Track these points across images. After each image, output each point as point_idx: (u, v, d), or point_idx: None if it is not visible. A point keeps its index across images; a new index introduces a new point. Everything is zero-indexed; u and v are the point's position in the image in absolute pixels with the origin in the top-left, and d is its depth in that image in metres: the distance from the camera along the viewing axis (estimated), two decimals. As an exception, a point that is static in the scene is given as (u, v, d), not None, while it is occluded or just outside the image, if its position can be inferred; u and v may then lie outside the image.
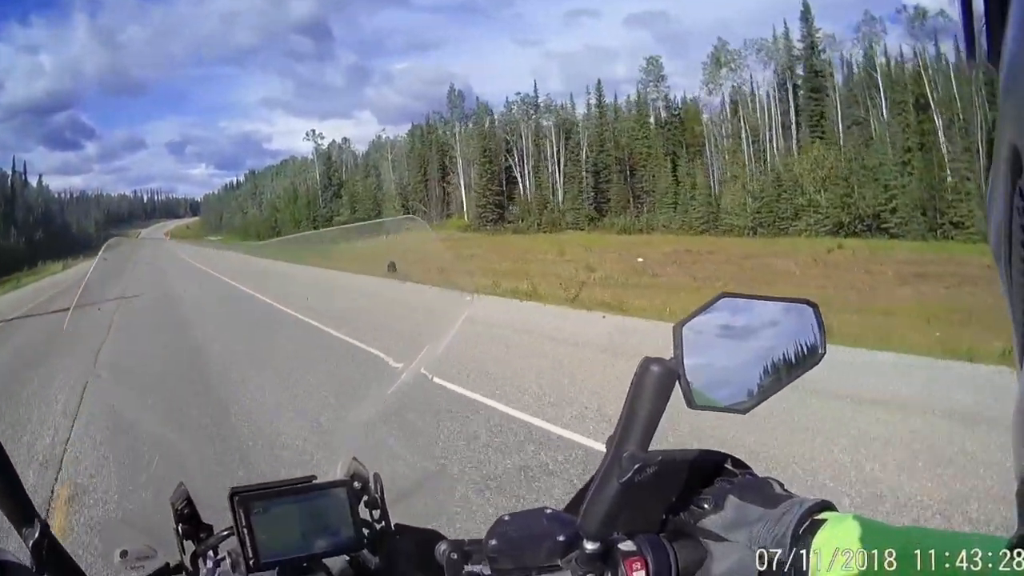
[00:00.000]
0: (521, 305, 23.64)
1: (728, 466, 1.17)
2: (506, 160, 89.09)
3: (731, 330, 1.03)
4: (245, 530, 1.26)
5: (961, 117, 59.77)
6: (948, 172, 57.68)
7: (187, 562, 1.35)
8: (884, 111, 66.09)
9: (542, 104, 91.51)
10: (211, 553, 1.33)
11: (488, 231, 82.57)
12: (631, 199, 79.64)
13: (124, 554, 1.31)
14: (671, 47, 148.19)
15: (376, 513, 1.39)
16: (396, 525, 1.39)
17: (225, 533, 1.32)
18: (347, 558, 1.37)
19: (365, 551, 1.36)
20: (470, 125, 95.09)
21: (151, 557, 1.33)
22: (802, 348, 1.06)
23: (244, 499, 1.27)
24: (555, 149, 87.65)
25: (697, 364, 0.97)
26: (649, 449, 0.97)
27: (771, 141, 72.90)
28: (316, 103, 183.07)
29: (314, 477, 1.38)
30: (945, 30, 64.72)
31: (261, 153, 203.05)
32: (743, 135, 74.47)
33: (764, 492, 1.08)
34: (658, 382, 0.94)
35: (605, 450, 0.99)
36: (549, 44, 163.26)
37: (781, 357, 1.05)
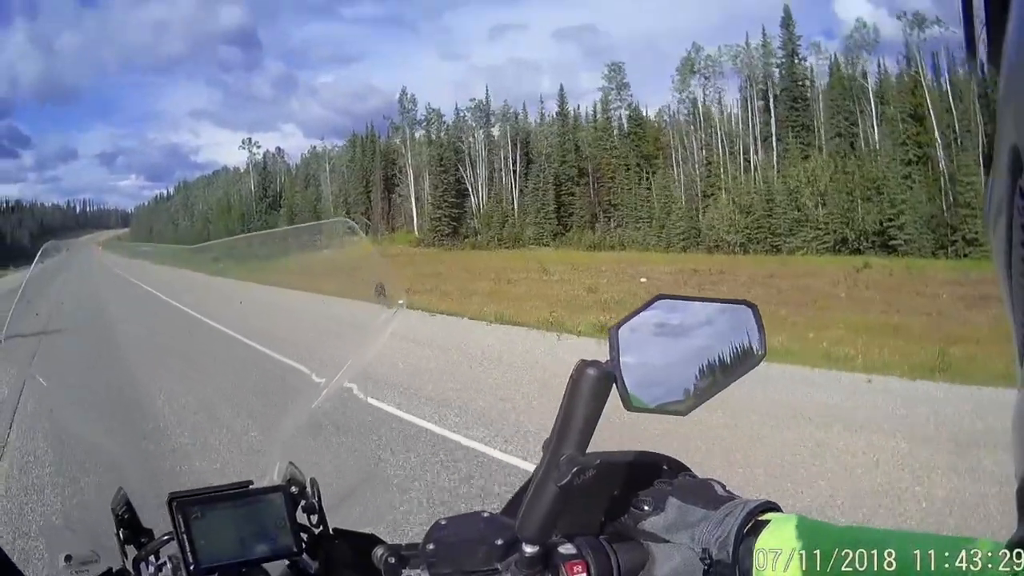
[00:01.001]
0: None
1: (667, 468, 1.16)
2: (457, 170, 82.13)
3: (668, 331, 1.02)
4: (184, 535, 1.24)
5: (958, 129, 55.65)
6: (951, 186, 53.33)
7: (129, 567, 1.31)
8: (875, 121, 61.54)
9: (497, 111, 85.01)
10: (152, 558, 1.29)
11: (444, 246, 75.78)
12: (599, 213, 73.51)
13: (68, 559, 1.30)
14: (599, 60, 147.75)
15: (314, 518, 1.36)
16: (334, 529, 1.36)
17: (165, 538, 1.29)
18: (287, 563, 1.33)
19: (304, 556, 1.33)
20: (420, 133, 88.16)
21: (95, 562, 1.31)
22: (741, 349, 1.04)
23: (182, 504, 1.25)
24: (512, 159, 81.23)
25: (634, 366, 0.96)
26: (587, 452, 0.95)
27: (753, 152, 67.67)
28: (243, 114, 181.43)
29: (251, 482, 1.35)
30: (941, 39, 60.37)
31: (189, 165, 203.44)
32: (717, 146, 69.17)
33: (706, 493, 1.07)
34: (594, 385, 0.93)
35: (542, 453, 0.97)
36: (475, 58, 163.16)
37: (720, 358, 1.03)
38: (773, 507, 1.01)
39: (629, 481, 1.12)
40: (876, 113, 62.21)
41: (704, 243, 62.41)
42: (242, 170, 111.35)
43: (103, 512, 1.32)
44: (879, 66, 65.84)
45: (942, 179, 54.79)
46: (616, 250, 66.15)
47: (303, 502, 1.35)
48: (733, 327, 1.04)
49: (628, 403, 0.94)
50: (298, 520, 1.33)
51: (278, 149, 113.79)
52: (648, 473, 1.14)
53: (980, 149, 53.91)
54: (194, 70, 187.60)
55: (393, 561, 1.16)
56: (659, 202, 68.83)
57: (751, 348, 1.04)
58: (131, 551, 1.30)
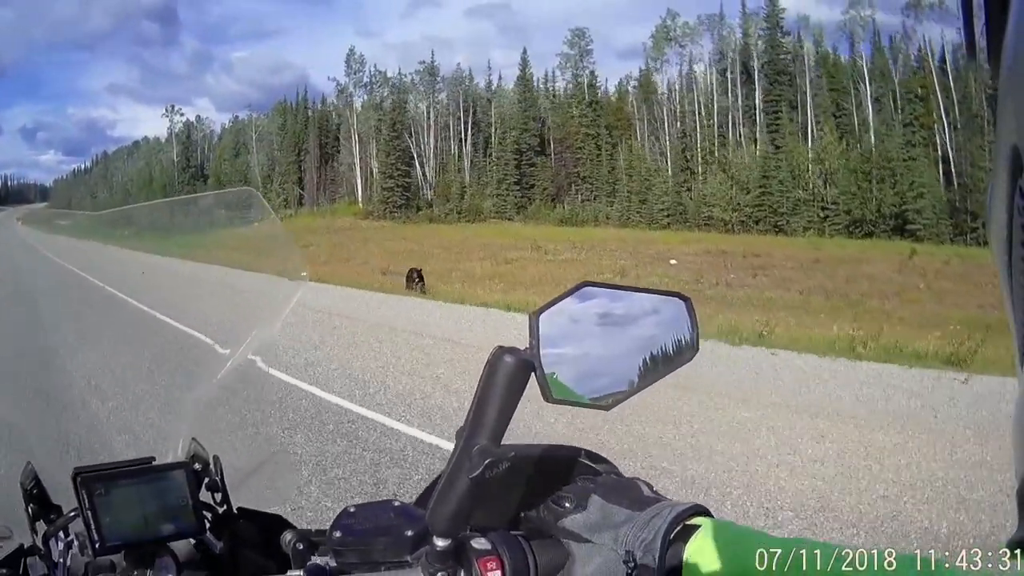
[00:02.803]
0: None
1: (589, 463, 1.10)
2: (406, 138, 74.68)
3: (594, 321, 0.94)
4: (89, 512, 1.18)
5: (958, 113, 51.91)
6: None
7: (39, 543, 1.26)
8: (870, 100, 57.09)
9: (448, 77, 77.77)
10: (61, 534, 1.24)
11: (396, 218, 68.01)
12: (570, 185, 67.17)
13: None
14: (513, 38, 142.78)
15: (218, 496, 1.31)
16: (238, 509, 1.31)
17: (72, 514, 1.23)
18: (192, 542, 1.28)
19: (208, 535, 1.27)
20: (363, 99, 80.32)
21: (8, 538, 1.29)
22: (673, 343, 0.98)
23: (86, 480, 1.19)
24: (464, 126, 74.32)
25: (555, 356, 0.89)
26: (503, 443, 0.89)
27: (734, 126, 62.34)
28: (159, 89, 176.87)
29: (154, 458, 1.30)
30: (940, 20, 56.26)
31: (106, 139, 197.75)
32: (696, 119, 63.57)
33: (631, 493, 1.00)
34: (512, 373, 0.86)
35: (454, 443, 0.90)
36: (389, 35, 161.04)
37: (650, 352, 0.97)
38: (702, 511, 0.94)
39: (548, 475, 1.04)
40: (869, 92, 57.56)
41: (691, 220, 56.87)
42: (163, 140, 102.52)
43: (14, 487, 1.27)
44: (851, 46, 62.14)
45: (948, 163, 51.66)
46: (591, 225, 60.33)
47: (206, 480, 1.27)
48: (664, 320, 0.97)
49: (548, 394, 0.87)
50: (201, 498, 1.26)
51: (197, 118, 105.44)
52: (568, 468, 1.07)
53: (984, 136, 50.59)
54: (115, 46, 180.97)
55: (302, 547, 1.10)
56: (638, 175, 62.72)
57: (682, 343, 0.97)
58: (42, 527, 1.24)
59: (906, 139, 52.86)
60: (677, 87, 66.77)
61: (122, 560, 1.17)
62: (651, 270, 34.42)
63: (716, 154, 61.49)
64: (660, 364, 0.96)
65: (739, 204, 55.09)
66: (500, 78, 79.65)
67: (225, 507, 1.28)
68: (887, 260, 36.24)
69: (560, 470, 1.06)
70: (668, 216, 58.63)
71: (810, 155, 54.42)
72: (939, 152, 52.44)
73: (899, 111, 55.10)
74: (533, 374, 0.85)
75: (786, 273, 33.53)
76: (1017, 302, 0.42)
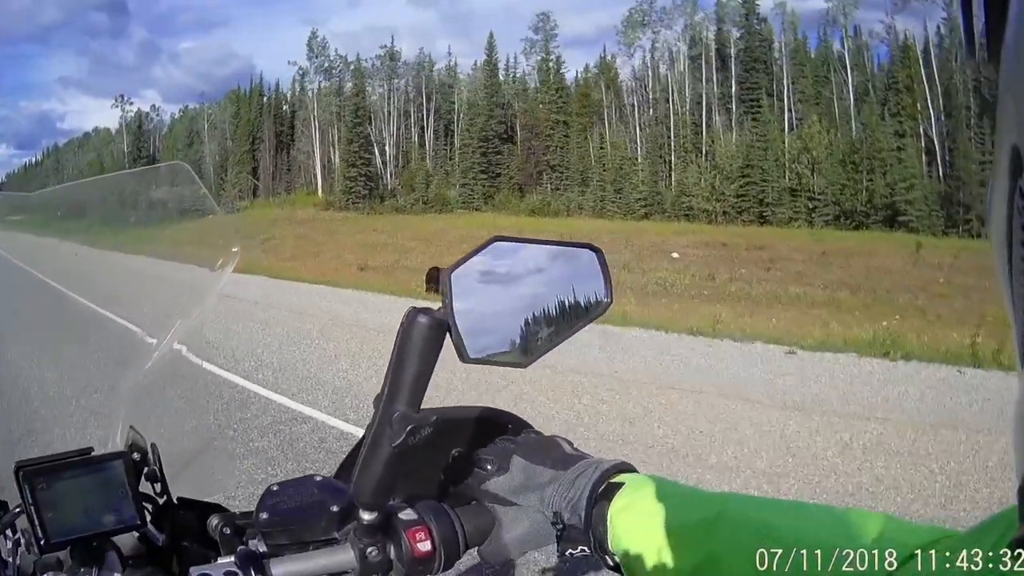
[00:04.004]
0: None
1: (510, 425, 1.07)
2: (369, 125, 71.16)
3: (506, 276, 0.93)
4: (32, 507, 1.12)
5: (942, 104, 50.35)
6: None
7: None
8: (851, 90, 55.27)
9: (411, 62, 74.39)
10: (9, 532, 1.18)
11: (359, 209, 64.13)
12: (539, 174, 64.23)
13: None
14: (456, 27, 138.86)
15: (157, 487, 1.23)
16: (178, 499, 1.24)
17: (17, 511, 1.18)
18: (136, 535, 1.21)
19: (150, 527, 1.20)
20: (319, 84, 76.46)
21: None
22: (586, 296, 0.96)
23: (28, 475, 1.13)
24: (426, 113, 71.17)
25: (470, 314, 0.86)
26: (422, 408, 0.86)
27: (707, 114, 59.94)
28: (108, 81, 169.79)
29: (92, 449, 1.22)
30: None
31: (56, 132, 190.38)
32: (670, 107, 61.03)
33: (553, 452, 0.98)
34: (426, 334, 0.83)
35: (373, 411, 0.87)
36: (332, 24, 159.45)
37: (563, 305, 0.95)
38: (627, 467, 0.93)
39: (470, 439, 1.03)
40: (850, 82, 55.79)
41: (669, 211, 54.29)
42: (114, 131, 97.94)
43: None
44: (822, 35, 60.71)
45: (933, 154, 50.37)
46: (563, 216, 57.14)
47: (145, 469, 1.21)
48: (576, 272, 0.95)
49: (463, 355, 0.86)
50: (141, 489, 1.20)
51: (152, 107, 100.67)
52: (490, 430, 1.04)
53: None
54: (65, 38, 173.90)
55: (229, 532, 1.05)
56: (612, 164, 59.85)
57: (596, 295, 0.96)
58: None
59: (894, 129, 50.98)
60: (650, 73, 64.13)
61: (68, 557, 1.10)
62: (655, 264, 31.89)
63: (692, 142, 59.05)
64: (573, 317, 0.93)
65: (722, 194, 52.68)
66: (456, 65, 76.35)
67: (165, 497, 1.19)
68: (895, 253, 34.06)
69: (483, 433, 1.03)
70: (646, 206, 55.79)
71: (796, 144, 52.24)
72: (922, 143, 50.83)
73: (885, 101, 53.27)
74: (448, 334, 0.83)
75: (798, 267, 31.24)
76: (1017, 302, 0.41)
